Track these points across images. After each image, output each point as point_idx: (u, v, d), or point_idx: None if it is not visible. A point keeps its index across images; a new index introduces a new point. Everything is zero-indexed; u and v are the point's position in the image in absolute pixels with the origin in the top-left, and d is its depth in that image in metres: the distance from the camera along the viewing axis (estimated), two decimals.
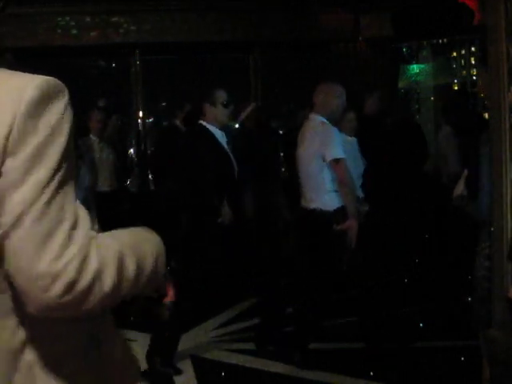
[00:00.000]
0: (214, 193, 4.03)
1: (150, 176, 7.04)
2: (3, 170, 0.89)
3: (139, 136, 7.80)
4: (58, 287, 0.87)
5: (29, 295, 0.88)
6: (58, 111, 0.94)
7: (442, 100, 7.12)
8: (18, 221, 0.88)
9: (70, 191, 0.93)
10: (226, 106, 4.13)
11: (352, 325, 4.60)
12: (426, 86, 8.65)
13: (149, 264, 1.01)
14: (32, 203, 0.88)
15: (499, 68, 2.45)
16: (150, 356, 3.88)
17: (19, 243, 0.88)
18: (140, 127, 7.85)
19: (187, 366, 4.10)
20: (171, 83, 8.36)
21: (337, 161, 3.85)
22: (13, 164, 0.89)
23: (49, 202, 0.89)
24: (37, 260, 0.86)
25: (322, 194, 3.97)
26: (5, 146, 0.89)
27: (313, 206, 4.01)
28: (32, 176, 0.89)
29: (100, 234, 0.98)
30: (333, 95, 4.10)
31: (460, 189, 3.12)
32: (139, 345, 3.98)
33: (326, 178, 3.95)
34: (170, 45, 7.76)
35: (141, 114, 7.81)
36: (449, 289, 4.91)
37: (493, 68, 2.49)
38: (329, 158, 3.87)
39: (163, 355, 4.02)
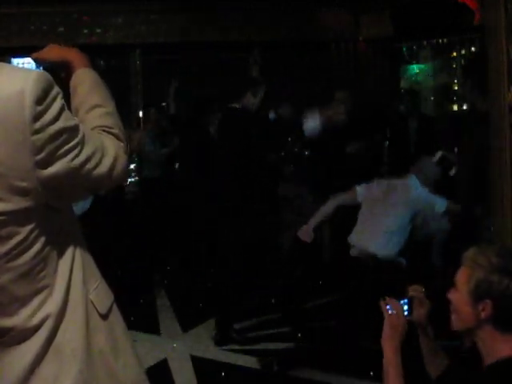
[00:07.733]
0: None
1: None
2: None
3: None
4: None
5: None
6: None
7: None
8: None
9: None
10: None
11: (351, 325, 4.59)
12: (426, 86, 8.64)
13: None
14: None
15: (499, 68, 2.45)
16: None
17: None
18: (140, 127, 7.84)
19: (187, 366, 4.09)
20: (171, 83, 8.33)
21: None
22: None
23: None
24: None
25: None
26: None
27: (370, 249, 4.06)
28: None
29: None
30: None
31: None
32: (139, 345, 3.97)
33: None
34: (170, 45, 7.76)
35: (141, 114, 7.81)
36: (448, 289, 4.90)
37: (493, 68, 2.49)
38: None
39: None
